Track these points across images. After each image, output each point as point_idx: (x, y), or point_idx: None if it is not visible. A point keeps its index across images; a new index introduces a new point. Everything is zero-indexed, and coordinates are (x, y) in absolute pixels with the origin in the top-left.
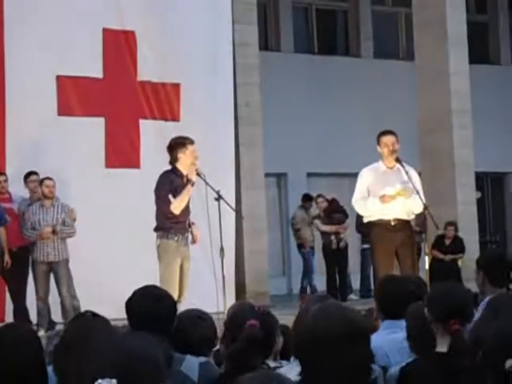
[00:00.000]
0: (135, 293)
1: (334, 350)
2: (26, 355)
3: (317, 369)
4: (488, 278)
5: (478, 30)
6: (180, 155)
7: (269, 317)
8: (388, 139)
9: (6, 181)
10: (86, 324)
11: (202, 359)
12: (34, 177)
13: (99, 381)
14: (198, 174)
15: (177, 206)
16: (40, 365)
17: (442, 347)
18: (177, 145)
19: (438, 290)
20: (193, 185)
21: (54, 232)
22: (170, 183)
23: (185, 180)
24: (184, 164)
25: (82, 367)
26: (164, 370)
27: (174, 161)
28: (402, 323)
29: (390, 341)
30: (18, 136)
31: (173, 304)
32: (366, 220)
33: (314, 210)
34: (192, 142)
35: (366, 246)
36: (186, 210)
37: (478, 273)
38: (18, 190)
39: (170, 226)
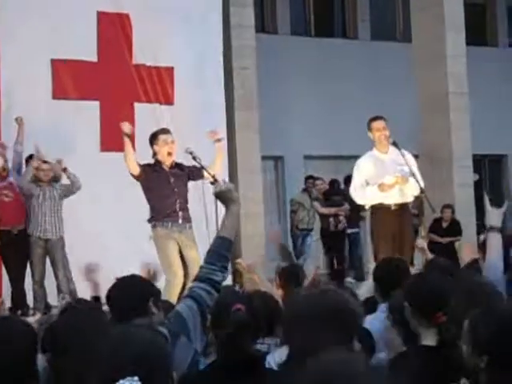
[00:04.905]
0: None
1: (309, 329)
2: (16, 351)
3: (297, 348)
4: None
5: (475, 12)
6: (154, 147)
7: (253, 298)
8: (380, 124)
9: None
10: (78, 318)
11: None
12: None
13: (121, 381)
14: (194, 158)
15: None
16: (31, 361)
17: (428, 340)
18: (151, 138)
19: (417, 283)
20: (128, 136)
21: (64, 169)
22: (145, 166)
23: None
24: (161, 155)
25: (80, 367)
26: (171, 359)
27: (153, 155)
28: None
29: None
30: (12, 120)
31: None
32: (367, 206)
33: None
34: (164, 132)
35: (353, 230)
36: (173, 197)
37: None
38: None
39: (157, 217)
